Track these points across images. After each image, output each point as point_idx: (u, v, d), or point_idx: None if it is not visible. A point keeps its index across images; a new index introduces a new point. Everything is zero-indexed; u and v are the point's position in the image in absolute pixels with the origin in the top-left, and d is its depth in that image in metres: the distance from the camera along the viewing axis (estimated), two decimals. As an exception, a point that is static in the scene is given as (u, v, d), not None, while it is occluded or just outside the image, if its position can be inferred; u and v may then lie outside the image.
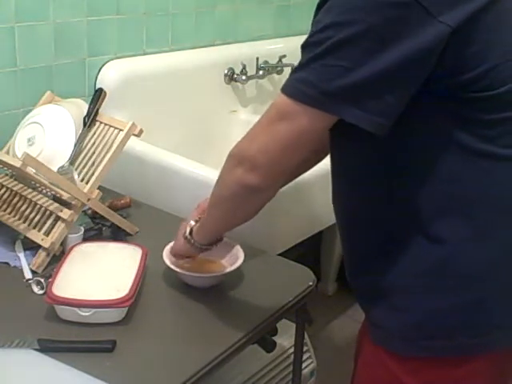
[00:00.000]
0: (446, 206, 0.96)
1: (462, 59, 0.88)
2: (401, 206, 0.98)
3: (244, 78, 2.14)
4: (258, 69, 2.21)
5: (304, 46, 0.91)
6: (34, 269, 1.27)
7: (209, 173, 1.56)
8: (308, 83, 0.88)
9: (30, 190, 1.37)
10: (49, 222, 1.31)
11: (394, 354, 1.03)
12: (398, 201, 0.98)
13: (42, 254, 1.28)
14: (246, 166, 0.96)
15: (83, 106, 1.46)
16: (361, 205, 1.03)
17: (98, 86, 1.76)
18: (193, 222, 1.18)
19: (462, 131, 0.92)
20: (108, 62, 1.83)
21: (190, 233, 1.17)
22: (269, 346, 1.43)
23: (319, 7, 0.92)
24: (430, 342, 1.00)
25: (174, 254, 1.23)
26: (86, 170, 1.37)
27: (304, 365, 1.53)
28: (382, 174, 0.98)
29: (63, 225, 1.29)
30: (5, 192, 1.41)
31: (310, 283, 1.26)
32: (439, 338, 1.00)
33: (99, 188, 1.35)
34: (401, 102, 0.89)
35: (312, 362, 1.69)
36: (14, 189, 1.39)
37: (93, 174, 1.35)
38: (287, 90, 0.91)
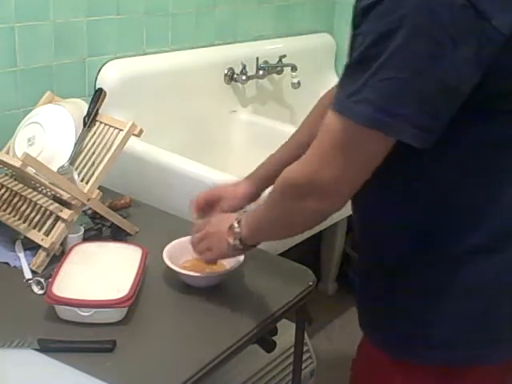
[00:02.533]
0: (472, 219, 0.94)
1: (509, 66, 0.85)
2: (430, 217, 0.97)
3: (244, 77, 2.14)
4: (258, 69, 2.21)
5: (356, 62, 0.85)
6: (33, 269, 1.27)
7: (209, 173, 1.56)
8: (370, 104, 0.83)
9: (29, 190, 1.37)
10: (49, 222, 1.31)
11: (394, 360, 1.03)
12: (427, 211, 0.96)
13: (41, 254, 1.28)
14: (318, 195, 0.92)
15: (83, 106, 1.46)
16: (389, 211, 1.01)
17: (98, 86, 1.76)
18: (237, 225, 1.09)
19: (498, 150, 0.91)
20: (108, 61, 1.84)
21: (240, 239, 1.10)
22: (269, 346, 1.43)
23: (362, 15, 0.86)
24: (433, 351, 1.00)
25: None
26: (86, 170, 1.37)
27: (304, 365, 1.53)
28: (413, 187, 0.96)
29: (63, 225, 1.29)
30: (5, 192, 1.41)
31: (310, 283, 1.26)
32: (442, 347, 0.99)
33: (99, 188, 1.35)
34: (449, 116, 0.85)
35: (312, 362, 1.69)
36: (14, 189, 1.39)
37: (93, 173, 1.35)
38: (349, 113, 0.85)
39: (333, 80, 2.52)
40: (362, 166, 0.90)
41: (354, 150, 0.88)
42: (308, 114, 1.30)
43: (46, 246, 1.27)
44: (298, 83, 2.26)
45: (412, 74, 0.81)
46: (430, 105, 0.83)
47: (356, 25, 0.88)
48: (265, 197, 1.16)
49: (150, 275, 1.25)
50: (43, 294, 1.17)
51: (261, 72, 2.21)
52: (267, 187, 1.26)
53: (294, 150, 1.24)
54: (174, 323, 1.17)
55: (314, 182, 0.92)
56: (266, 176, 1.26)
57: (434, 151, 0.86)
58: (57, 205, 1.31)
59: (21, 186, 1.39)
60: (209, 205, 1.28)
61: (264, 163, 1.29)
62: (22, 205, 1.36)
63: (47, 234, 1.30)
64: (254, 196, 1.27)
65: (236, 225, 1.09)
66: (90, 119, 1.42)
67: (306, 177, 0.93)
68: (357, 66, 0.85)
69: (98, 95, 1.45)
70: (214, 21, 2.12)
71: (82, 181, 1.35)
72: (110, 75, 1.82)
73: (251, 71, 2.18)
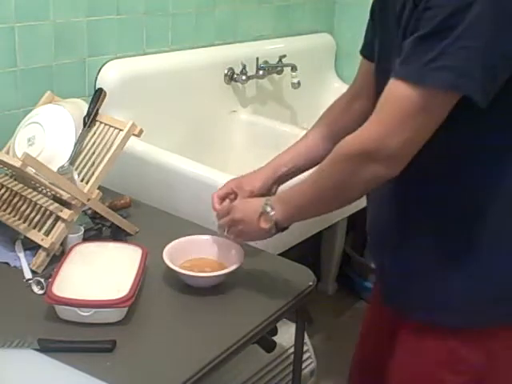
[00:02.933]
0: None
1: None
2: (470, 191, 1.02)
3: (244, 77, 2.14)
4: (258, 69, 2.21)
5: (431, 33, 0.91)
6: (33, 269, 1.27)
7: (209, 173, 1.56)
8: (451, 70, 0.89)
9: (29, 190, 1.37)
10: (49, 222, 1.31)
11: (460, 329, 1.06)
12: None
13: (41, 254, 1.28)
14: (386, 161, 0.96)
15: (83, 106, 1.46)
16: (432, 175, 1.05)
17: (98, 86, 1.76)
18: (270, 209, 1.10)
19: None
20: (108, 61, 1.84)
21: (276, 225, 1.11)
22: (269, 346, 1.43)
23: None
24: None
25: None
26: (86, 170, 1.37)
27: (304, 365, 1.53)
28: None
29: (63, 225, 1.29)
30: (5, 192, 1.41)
31: (310, 283, 1.26)
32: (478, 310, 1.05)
33: (99, 188, 1.35)
34: (501, 82, 0.92)
35: (312, 362, 1.69)
36: (14, 189, 1.39)
37: (93, 174, 1.35)
38: (429, 79, 0.91)
39: (333, 80, 2.52)
40: (430, 129, 0.95)
41: (427, 115, 0.93)
42: (318, 120, 1.30)
43: (46, 246, 1.27)
44: (298, 83, 2.27)
45: (485, 43, 0.88)
46: (493, 71, 0.91)
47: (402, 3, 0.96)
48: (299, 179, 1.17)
49: (150, 275, 1.25)
50: (43, 293, 1.17)
51: (261, 72, 2.21)
52: (286, 175, 1.28)
53: (304, 154, 1.26)
54: (174, 323, 1.17)
55: (382, 149, 0.95)
56: (285, 163, 1.27)
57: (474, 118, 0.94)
58: (57, 205, 1.31)
59: (21, 186, 1.39)
60: (229, 198, 1.28)
61: (280, 156, 1.30)
62: (22, 205, 1.36)
63: (47, 234, 1.30)
64: (275, 180, 1.28)
65: (269, 209, 1.10)
66: (90, 119, 1.42)
67: (374, 144, 0.96)
68: (432, 37, 0.91)
69: (98, 95, 1.45)
70: (214, 21, 2.12)
71: (82, 181, 1.35)
72: (110, 75, 1.82)
73: (251, 71, 2.18)
